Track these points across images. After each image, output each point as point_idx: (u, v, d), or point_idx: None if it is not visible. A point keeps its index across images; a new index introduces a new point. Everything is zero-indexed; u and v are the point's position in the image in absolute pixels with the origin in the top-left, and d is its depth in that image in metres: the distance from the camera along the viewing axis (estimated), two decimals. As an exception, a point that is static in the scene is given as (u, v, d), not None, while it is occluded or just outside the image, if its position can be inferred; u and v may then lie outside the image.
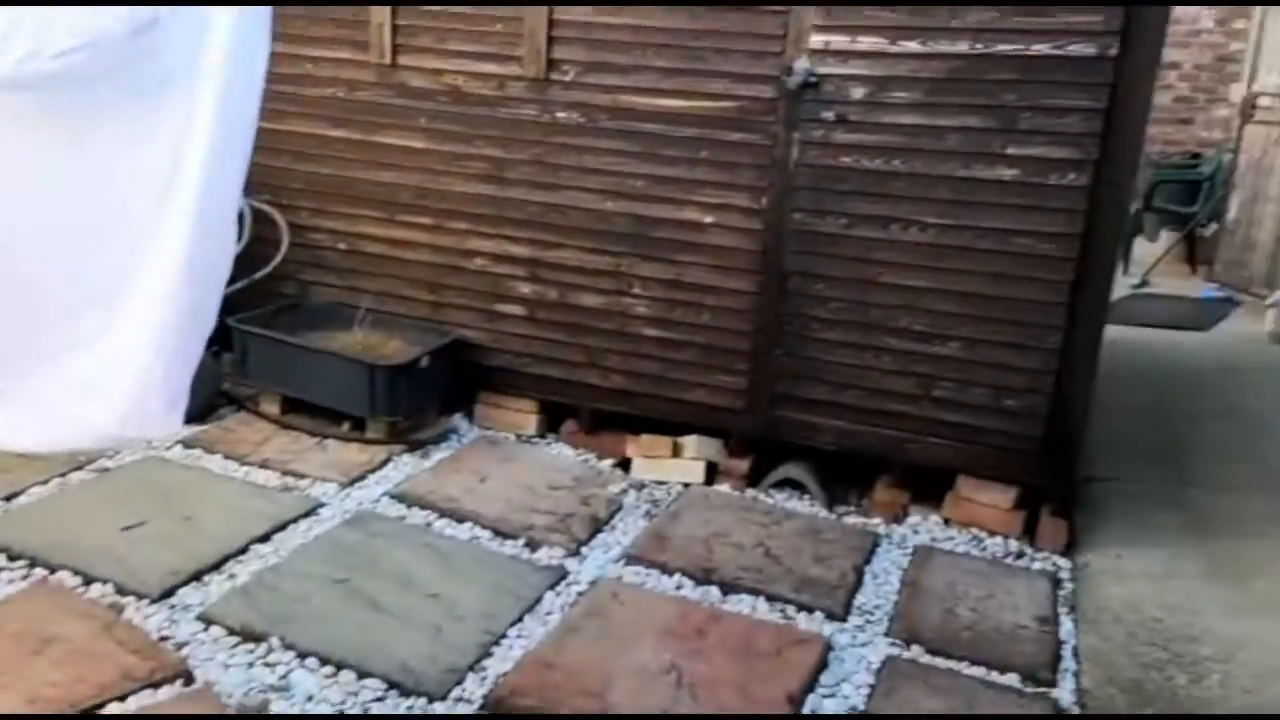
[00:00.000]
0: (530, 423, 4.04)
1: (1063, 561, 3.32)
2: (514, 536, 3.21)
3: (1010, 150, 3.13)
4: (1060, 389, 3.27)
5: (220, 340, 4.13)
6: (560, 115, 3.69)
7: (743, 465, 3.74)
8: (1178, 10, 8.51)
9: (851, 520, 3.55)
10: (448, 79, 3.82)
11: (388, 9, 3.81)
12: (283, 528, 3.15)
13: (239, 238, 4.02)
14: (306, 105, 4.06)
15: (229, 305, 3.98)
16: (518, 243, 3.87)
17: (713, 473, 3.79)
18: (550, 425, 4.07)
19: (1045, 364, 3.26)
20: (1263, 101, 6.38)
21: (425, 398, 3.90)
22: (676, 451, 3.81)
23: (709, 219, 3.57)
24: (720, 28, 3.41)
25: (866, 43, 3.22)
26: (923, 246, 3.30)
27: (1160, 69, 3.35)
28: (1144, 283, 6.99)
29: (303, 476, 3.49)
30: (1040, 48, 3.02)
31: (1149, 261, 7.29)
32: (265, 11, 2.28)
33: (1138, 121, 3.03)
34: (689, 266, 3.64)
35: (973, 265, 3.26)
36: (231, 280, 2.55)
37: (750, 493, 3.70)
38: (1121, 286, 6.93)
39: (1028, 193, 3.14)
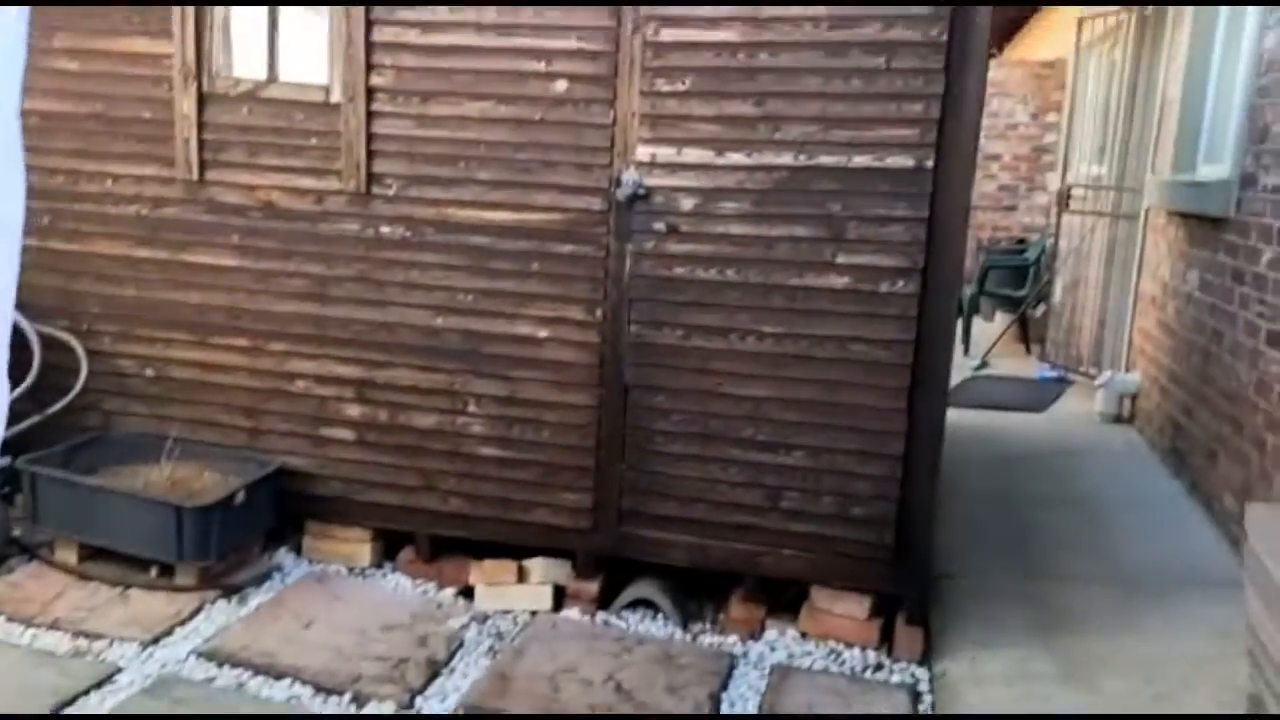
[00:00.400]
0: (364, 553, 3.76)
1: (920, 671, 3.24)
2: (339, 692, 2.92)
3: (840, 259, 3.12)
4: (906, 495, 3.23)
5: (10, 482, 3.75)
6: (384, 229, 3.52)
7: (592, 587, 3.55)
8: (994, 104, 9.03)
9: (708, 640, 3.40)
10: (261, 194, 3.60)
11: (194, 133, 3.58)
12: (71, 702, 2.78)
13: (30, 368, 3.67)
14: (108, 224, 3.77)
15: (20, 444, 3.66)
16: (344, 363, 3.64)
17: (561, 596, 3.59)
18: (387, 554, 3.80)
19: (889, 470, 3.22)
20: (1076, 192, 6.75)
21: (243, 535, 3.58)
22: (522, 576, 3.60)
23: (544, 333, 3.44)
24: (545, 140, 3.33)
25: (693, 155, 3.18)
26: (762, 355, 3.25)
27: (977, 168, 3.44)
28: (983, 364, 7.23)
29: (98, 637, 3.12)
30: (861, 160, 3.04)
31: (986, 342, 7.56)
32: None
33: (958, 229, 3.08)
34: (525, 382, 3.48)
35: (812, 373, 3.22)
36: (22, 416, 2.24)
37: (601, 616, 3.51)
38: (962, 368, 7.15)
39: (860, 300, 3.13)
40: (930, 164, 2.99)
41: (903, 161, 3.01)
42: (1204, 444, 4.28)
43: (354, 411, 3.66)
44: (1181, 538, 4.05)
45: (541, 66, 3.29)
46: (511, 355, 3.48)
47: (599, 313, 3.37)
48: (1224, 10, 4.87)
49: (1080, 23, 6.80)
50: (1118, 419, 5.60)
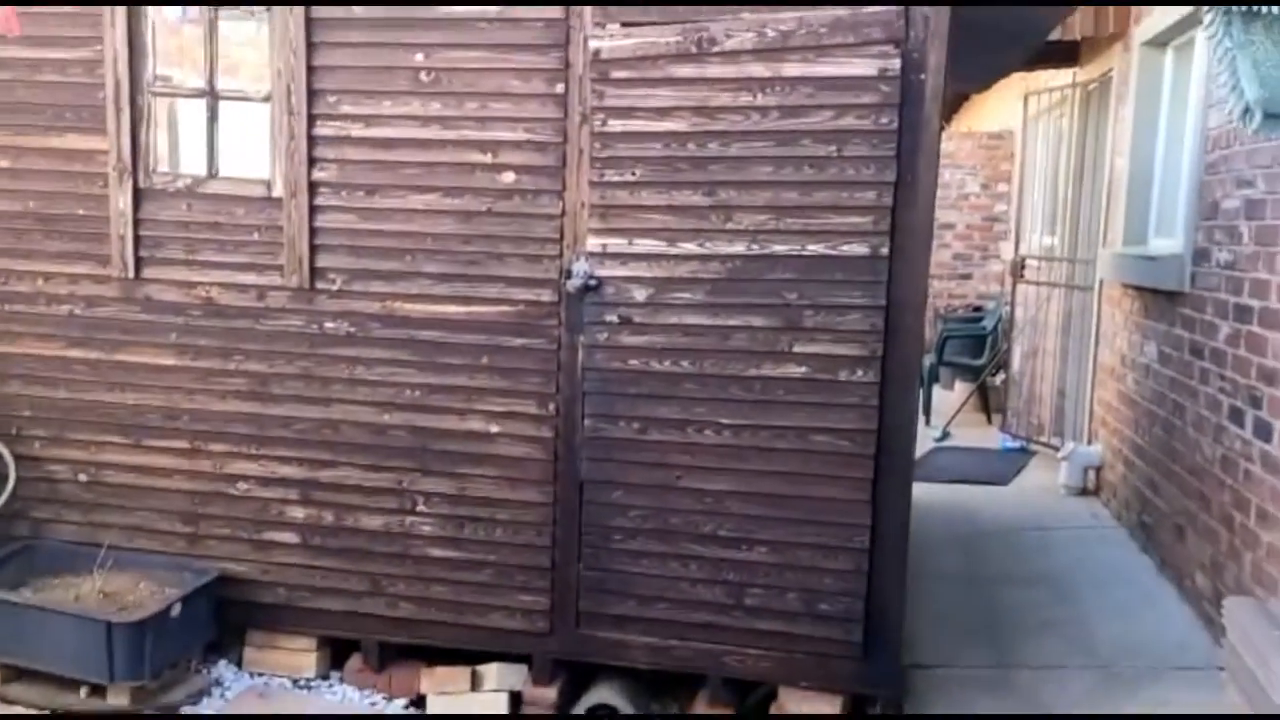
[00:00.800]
0: (309, 663, 3.57)
1: (894, 774, 3.11)
2: (279, 825, 2.73)
3: (797, 348, 3.05)
4: (873, 589, 3.12)
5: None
6: (329, 325, 3.41)
7: (550, 693, 3.39)
8: (946, 175, 9.16)
9: (672, 748, 3.25)
10: (200, 291, 3.48)
11: (130, 229, 3.47)
12: None
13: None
14: (40, 324, 3.62)
15: (-61, 558, 3.47)
16: (287, 463, 3.49)
17: (518, 703, 3.42)
18: (334, 662, 3.62)
19: (855, 564, 3.12)
20: (1031, 263, 6.80)
21: (180, 649, 3.38)
22: (476, 683, 3.43)
23: (495, 428, 3.32)
24: (493, 232, 3.25)
25: (644, 245, 3.12)
26: (721, 448, 3.15)
27: (934, 238, 3.42)
28: (945, 434, 7.19)
29: (18, 771, 2.91)
30: (815, 248, 2.99)
31: (948, 411, 7.54)
32: None
33: (916, 314, 3.02)
34: (477, 480, 3.35)
35: (773, 465, 3.12)
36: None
37: (561, 725, 3.35)
38: (924, 439, 7.10)
39: (819, 390, 3.05)
40: (885, 251, 2.95)
41: (858, 249, 2.96)
42: (1171, 519, 4.22)
43: (298, 514, 3.50)
44: (1154, 619, 3.96)
45: (488, 159, 3.23)
46: (462, 452, 3.36)
47: (552, 407, 3.27)
48: (1166, 84, 4.95)
49: (1026, 97, 6.92)
50: (1083, 491, 5.55)
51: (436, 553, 3.41)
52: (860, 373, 3.01)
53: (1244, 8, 2.12)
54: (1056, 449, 5.93)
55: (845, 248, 2.97)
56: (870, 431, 3.04)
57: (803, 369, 3.05)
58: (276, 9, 3.29)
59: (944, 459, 6.50)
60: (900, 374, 3.02)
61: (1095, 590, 4.22)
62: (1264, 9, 2.09)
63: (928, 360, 7.86)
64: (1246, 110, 2.15)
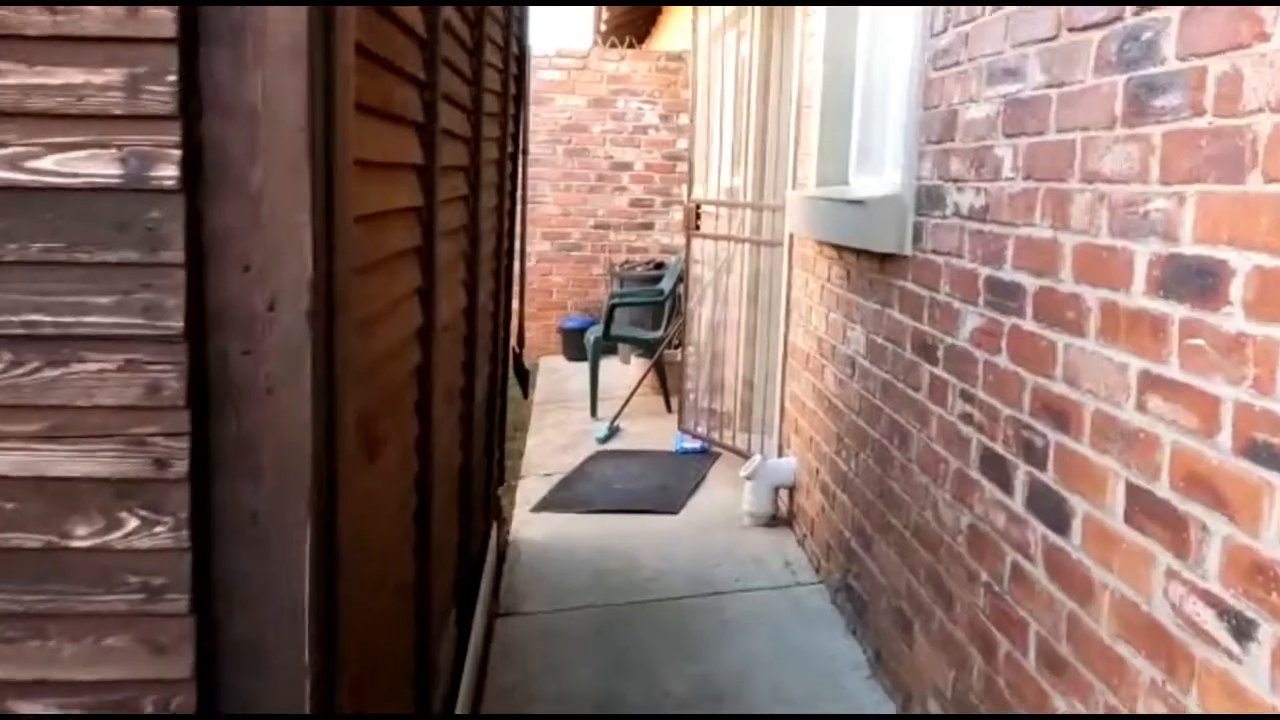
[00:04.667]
0: None
1: None
2: None
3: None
4: None
5: None
6: None
7: None
8: (619, 104, 7.62)
9: None
10: None
11: None
12: None
13: None
14: None
15: None
16: None
17: None
18: None
19: None
20: (707, 210, 5.34)
21: None
22: None
23: None
24: None
25: None
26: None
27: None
28: (613, 431, 5.66)
29: None
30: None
31: (621, 395, 6.03)
32: None
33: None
34: None
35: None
36: None
37: None
38: (587, 438, 5.55)
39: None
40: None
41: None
42: (890, 599, 2.82)
43: None
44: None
45: None
46: None
47: None
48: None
49: (695, 12, 5.41)
50: (773, 519, 4.15)
51: None
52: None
53: None
54: (744, 455, 4.52)
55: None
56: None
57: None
58: None
59: (605, 469, 4.95)
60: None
61: None
62: None
63: (592, 334, 6.28)
64: None
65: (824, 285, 3.63)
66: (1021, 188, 2.05)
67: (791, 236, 4.15)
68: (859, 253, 3.11)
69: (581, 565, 3.80)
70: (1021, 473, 2.02)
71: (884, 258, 2.87)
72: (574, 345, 7.51)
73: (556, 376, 7.21)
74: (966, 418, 2.29)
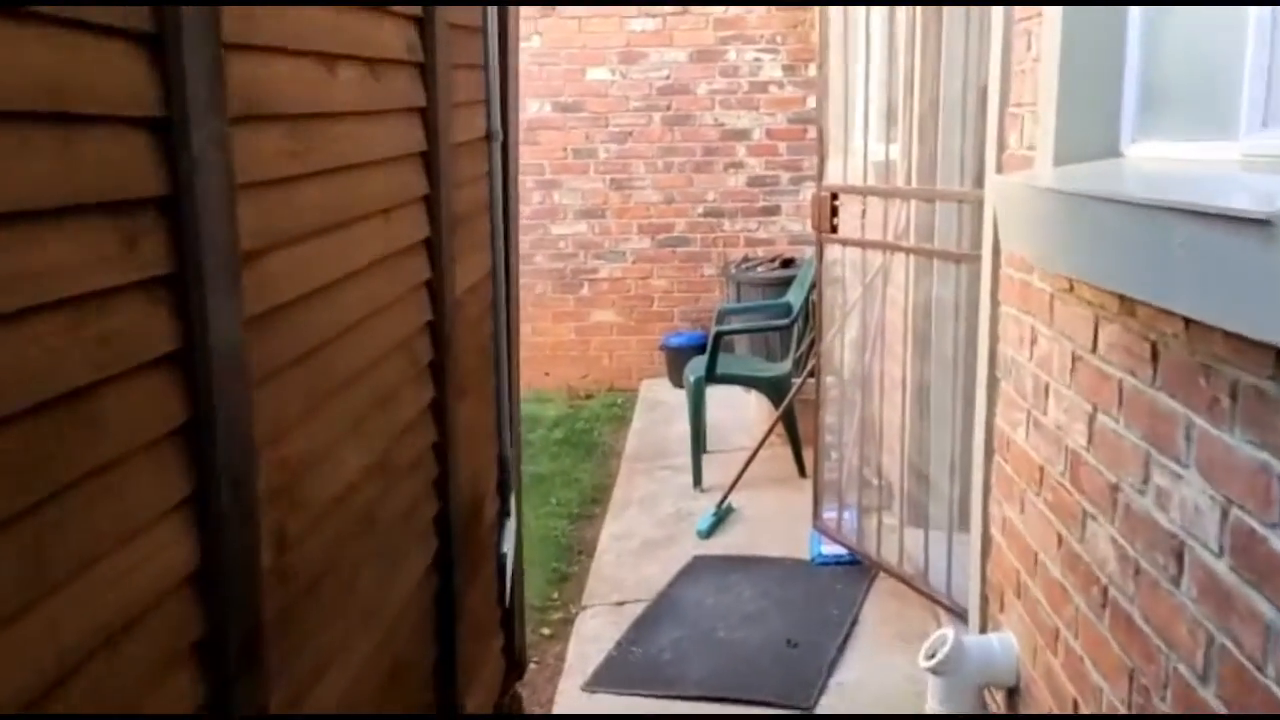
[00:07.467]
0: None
1: None
2: None
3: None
4: None
5: None
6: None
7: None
8: (731, 55, 5.95)
9: None
10: None
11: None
12: None
13: None
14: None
15: None
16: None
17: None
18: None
19: None
20: (852, 203, 3.63)
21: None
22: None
23: None
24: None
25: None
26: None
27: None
28: (723, 513, 4.05)
29: None
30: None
31: (738, 438, 4.40)
32: None
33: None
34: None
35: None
36: None
37: None
38: (687, 523, 3.96)
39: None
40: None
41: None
42: None
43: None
44: None
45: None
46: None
47: None
48: None
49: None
50: (977, 730, 2.47)
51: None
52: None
53: None
54: (913, 585, 2.84)
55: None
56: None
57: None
58: None
59: (704, 595, 3.35)
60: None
61: None
62: None
63: (691, 373, 4.66)
64: None
65: (1079, 357, 1.91)
66: None
67: (997, 246, 2.44)
68: (1216, 333, 1.39)
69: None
70: None
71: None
72: (680, 367, 5.91)
73: (655, 416, 5.61)
74: None
